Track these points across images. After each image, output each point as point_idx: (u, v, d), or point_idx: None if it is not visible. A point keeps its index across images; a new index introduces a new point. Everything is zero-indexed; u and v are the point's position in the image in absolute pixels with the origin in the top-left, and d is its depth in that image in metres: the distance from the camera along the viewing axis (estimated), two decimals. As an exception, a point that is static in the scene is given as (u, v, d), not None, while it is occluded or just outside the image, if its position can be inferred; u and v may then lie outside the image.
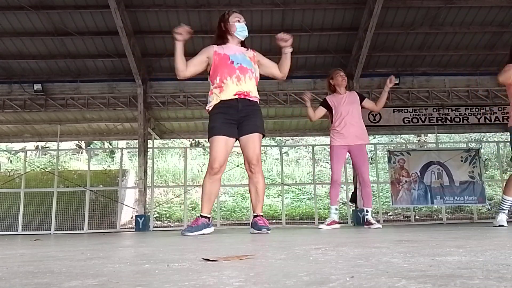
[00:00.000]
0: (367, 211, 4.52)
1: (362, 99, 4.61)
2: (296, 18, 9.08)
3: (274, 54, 11.05)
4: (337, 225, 4.41)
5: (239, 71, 3.15)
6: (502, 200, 3.73)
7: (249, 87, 3.16)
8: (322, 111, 4.61)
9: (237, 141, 3.21)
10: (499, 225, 3.52)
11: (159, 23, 9.07)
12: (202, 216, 3.08)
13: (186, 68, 3.14)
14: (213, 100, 3.15)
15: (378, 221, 10.30)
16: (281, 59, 3.53)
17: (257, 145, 3.15)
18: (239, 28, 3.26)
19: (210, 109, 3.18)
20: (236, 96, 3.11)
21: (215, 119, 3.12)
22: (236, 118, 3.11)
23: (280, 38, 3.40)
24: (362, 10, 8.80)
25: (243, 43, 3.36)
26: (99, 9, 8.57)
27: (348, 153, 4.57)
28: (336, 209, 4.50)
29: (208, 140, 3.15)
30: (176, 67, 3.15)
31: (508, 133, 3.86)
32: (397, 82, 10.02)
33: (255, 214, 3.26)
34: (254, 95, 3.21)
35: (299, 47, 9.81)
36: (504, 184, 3.81)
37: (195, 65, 3.20)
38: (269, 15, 9.02)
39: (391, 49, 9.80)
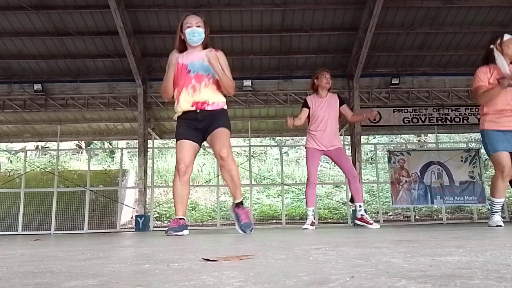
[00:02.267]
0: (360, 206, 4.43)
1: (341, 103, 4.55)
2: (296, 18, 9.08)
3: (273, 54, 11.11)
4: (313, 227, 4.37)
5: (194, 80, 3.17)
6: (491, 203, 3.70)
7: (205, 96, 3.18)
8: (306, 112, 4.53)
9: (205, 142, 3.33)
10: (497, 226, 3.51)
11: (159, 23, 9.07)
12: (178, 219, 3.13)
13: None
14: (177, 111, 3.27)
15: (377, 221, 10.33)
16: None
17: (223, 137, 3.18)
18: (188, 34, 3.15)
19: (175, 118, 3.31)
20: (194, 107, 3.17)
21: (179, 126, 3.26)
22: (198, 127, 3.22)
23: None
24: (362, 10, 8.80)
25: (208, 45, 3.27)
26: (99, 9, 8.57)
27: (326, 156, 4.56)
28: (313, 210, 4.47)
29: (175, 145, 3.28)
30: (166, 92, 3.25)
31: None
32: (397, 82, 10.05)
33: (236, 201, 3.31)
34: (212, 102, 3.19)
35: (299, 47, 9.82)
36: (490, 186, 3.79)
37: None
38: (269, 15, 9.01)
39: (391, 49, 9.80)
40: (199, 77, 3.17)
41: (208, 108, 3.19)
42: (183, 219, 3.14)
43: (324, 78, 4.51)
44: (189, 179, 3.27)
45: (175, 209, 3.20)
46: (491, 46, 3.69)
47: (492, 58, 3.65)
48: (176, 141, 3.25)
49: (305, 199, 4.57)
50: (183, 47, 3.27)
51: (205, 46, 3.26)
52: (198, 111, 3.17)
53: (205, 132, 3.24)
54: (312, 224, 4.38)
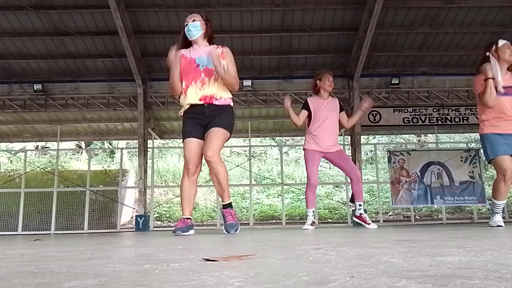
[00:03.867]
0: (360, 205, 4.42)
1: (341, 109, 4.54)
2: (296, 18, 9.08)
3: (273, 54, 11.09)
4: (313, 227, 4.37)
5: (204, 74, 3.19)
6: (493, 204, 3.69)
7: (213, 90, 3.19)
8: (304, 114, 4.48)
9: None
10: (498, 226, 3.51)
11: (159, 23, 9.07)
12: (185, 219, 3.15)
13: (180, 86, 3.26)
14: (183, 106, 3.26)
15: (377, 221, 10.33)
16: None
17: (213, 138, 3.13)
18: (186, 31, 3.24)
19: (181, 114, 3.30)
20: (202, 102, 3.17)
21: (185, 123, 3.24)
22: (204, 123, 3.20)
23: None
24: (362, 10, 8.80)
25: (212, 42, 3.34)
26: (99, 9, 8.57)
27: (325, 159, 4.53)
28: (313, 211, 4.46)
29: (182, 143, 3.26)
30: (174, 89, 3.26)
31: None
32: (397, 82, 10.04)
33: (223, 203, 3.28)
34: (220, 96, 3.21)
35: (299, 47, 9.82)
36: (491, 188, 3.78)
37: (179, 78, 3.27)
38: (269, 15, 9.01)
39: (391, 49, 9.80)
40: (208, 71, 3.19)
41: (216, 102, 3.19)
42: (190, 219, 3.17)
43: (328, 80, 4.47)
44: (197, 179, 3.26)
45: (182, 208, 3.21)
46: (487, 53, 3.69)
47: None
48: (183, 139, 3.23)
49: (305, 199, 4.55)
50: (189, 45, 3.31)
51: (209, 42, 3.32)
52: (206, 105, 3.17)
53: (207, 126, 3.21)
54: (312, 224, 4.38)
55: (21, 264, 1.05)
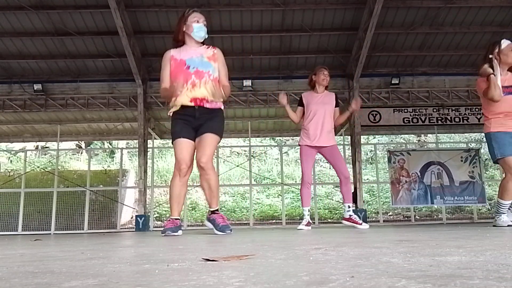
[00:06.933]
0: (349, 207, 4.33)
1: (336, 104, 4.47)
2: (296, 18, 9.08)
3: (273, 54, 11.09)
4: (310, 227, 4.27)
5: (194, 76, 3.14)
6: (498, 204, 3.65)
7: (204, 93, 3.14)
8: (300, 110, 4.46)
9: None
10: (508, 225, 3.47)
11: (159, 23, 9.07)
12: (173, 219, 3.14)
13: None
14: (173, 106, 3.21)
15: (377, 221, 10.32)
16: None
17: (206, 145, 3.14)
18: (196, 28, 3.18)
19: (170, 114, 3.26)
20: (192, 103, 3.13)
21: (175, 124, 3.21)
22: (194, 126, 3.17)
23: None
24: (362, 10, 8.79)
25: (205, 42, 3.30)
26: (99, 9, 8.57)
27: (320, 154, 4.45)
28: (308, 210, 4.36)
29: (172, 144, 3.23)
30: (169, 93, 3.21)
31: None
32: (397, 81, 10.04)
33: (211, 209, 3.25)
34: (211, 99, 3.15)
35: (299, 47, 9.82)
36: (498, 188, 3.76)
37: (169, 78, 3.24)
38: (269, 15, 9.01)
39: (391, 49, 9.79)
40: (199, 73, 3.15)
41: (207, 105, 3.15)
42: (179, 219, 3.17)
43: (322, 74, 4.47)
44: (188, 180, 3.25)
45: (171, 209, 3.20)
46: (490, 56, 3.64)
47: (491, 67, 3.60)
48: (174, 140, 3.20)
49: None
50: (181, 40, 3.26)
51: (203, 42, 3.31)
52: (197, 107, 3.13)
53: (198, 130, 3.18)
54: (308, 224, 4.28)
55: (21, 264, 1.05)
